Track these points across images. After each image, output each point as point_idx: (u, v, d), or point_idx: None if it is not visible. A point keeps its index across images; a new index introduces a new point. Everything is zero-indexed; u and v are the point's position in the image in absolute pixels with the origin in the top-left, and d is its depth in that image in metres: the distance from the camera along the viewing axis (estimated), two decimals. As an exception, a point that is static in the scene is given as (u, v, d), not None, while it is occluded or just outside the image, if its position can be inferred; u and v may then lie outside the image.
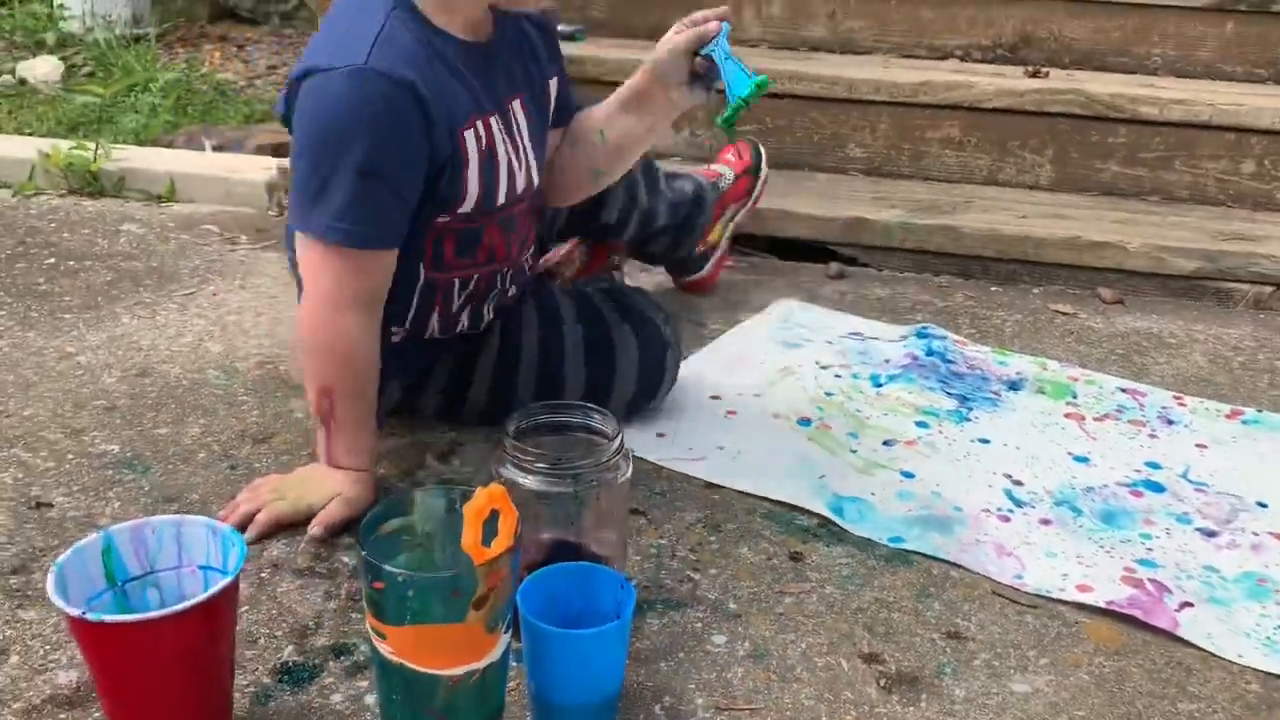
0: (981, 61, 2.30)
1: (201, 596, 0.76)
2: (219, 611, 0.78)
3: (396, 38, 1.05)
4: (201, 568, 0.85)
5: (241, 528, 1.07)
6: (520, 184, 1.19)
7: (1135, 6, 2.25)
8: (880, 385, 1.47)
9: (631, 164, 1.37)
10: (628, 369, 1.30)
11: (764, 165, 1.80)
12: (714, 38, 1.16)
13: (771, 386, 1.47)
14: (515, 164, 1.18)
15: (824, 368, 1.52)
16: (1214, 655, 1.00)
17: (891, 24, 2.32)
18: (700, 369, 1.50)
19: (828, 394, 1.45)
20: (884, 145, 2.14)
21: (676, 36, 1.19)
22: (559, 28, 2.35)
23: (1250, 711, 0.94)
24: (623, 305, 1.34)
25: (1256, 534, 1.19)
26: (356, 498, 1.12)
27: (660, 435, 1.33)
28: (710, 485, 1.23)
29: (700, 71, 1.19)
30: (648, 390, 1.33)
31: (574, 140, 1.32)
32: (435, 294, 1.21)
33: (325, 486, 1.12)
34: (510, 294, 1.29)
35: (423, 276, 1.18)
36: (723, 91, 1.16)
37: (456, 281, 1.21)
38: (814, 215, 1.93)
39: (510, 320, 1.30)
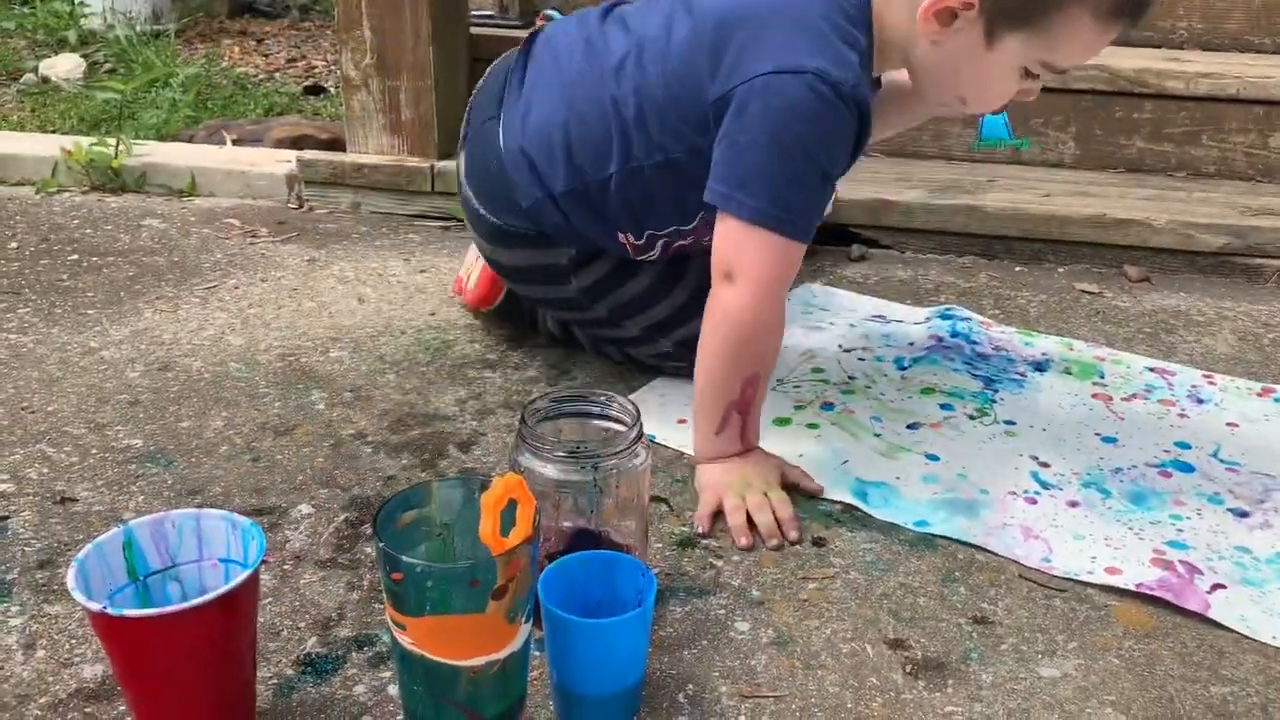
0: (1003, 38, 2.27)
1: (220, 590, 0.76)
2: (239, 604, 0.78)
3: (859, 61, 1.12)
4: (222, 560, 0.85)
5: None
6: None
7: (1161, -21, 2.21)
8: (904, 368, 1.46)
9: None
10: None
11: None
12: None
13: (794, 371, 1.45)
14: None
15: (847, 351, 1.51)
16: (1247, 637, 0.98)
17: (911, 2, 2.29)
18: (721, 354, 1.49)
19: (851, 377, 1.44)
20: (905, 125, 2.11)
21: None
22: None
23: (1285, 694, 0.92)
24: None
25: (1290, 514, 1.17)
26: (781, 461, 1.20)
27: (681, 421, 1.32)
28: (732, 471, 1.22)
29: None
30: None
31: None
32: (679, 235, 1.30)
33: (766, 468, 1.17)
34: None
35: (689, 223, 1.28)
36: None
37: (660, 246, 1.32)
38: (836, 197, 1.91)
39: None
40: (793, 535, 1.11)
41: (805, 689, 0.91)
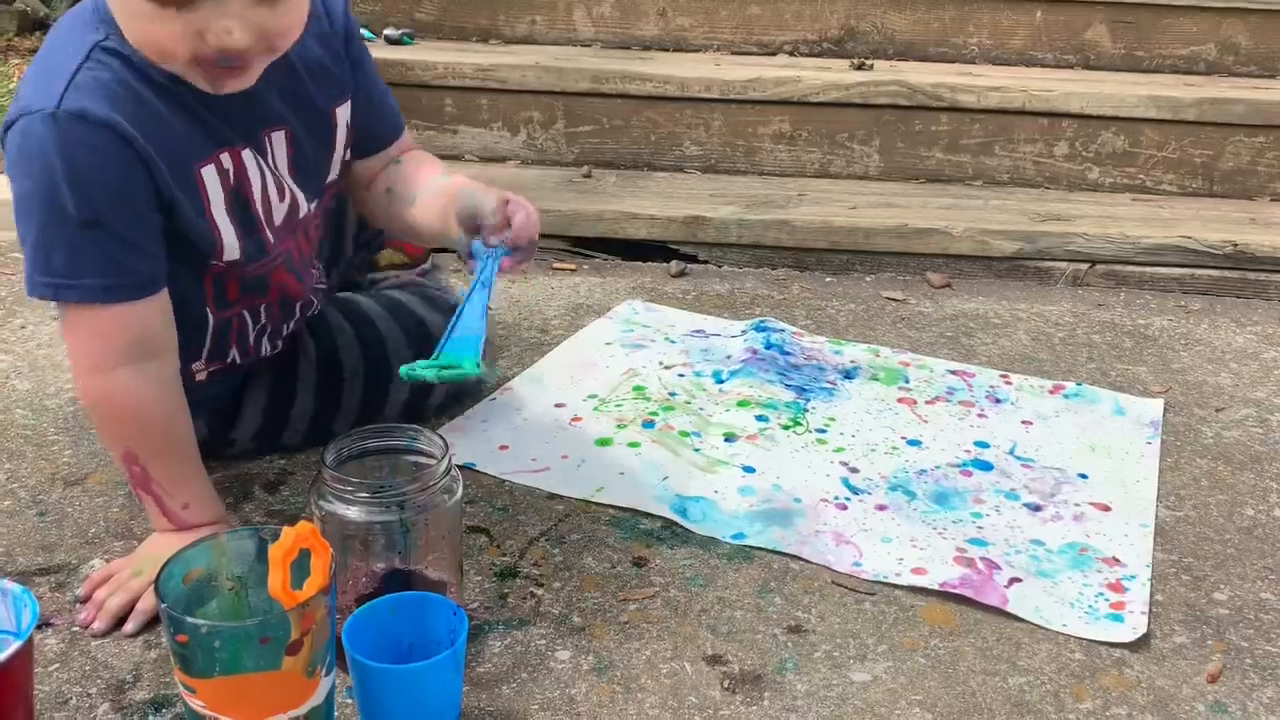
0: (809, 55, 2.35)
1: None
2: (9, 679, 0.73)
3: (100, 72, 0.96)
4: (-6, 632, 0.79)
5: (116, 625, 0.98)
6: (281, 215, 1.12)
7: (952, -2, 2.33)
8: (722, 381, 1.48)
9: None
10: None
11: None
12: (489, 249, 1.08)
13: (616, 391, 1.46)
14: (275, 195, 1.10)
15: (667, 368, 1.52)
16: (1041, 627, 1.04)
17: (721, 21, 2.35)
18: (545, 377, 1.49)
19: (671, 394, 1.45)
20: (719, 142, 2.16)
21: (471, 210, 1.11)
22: (386, 32, 2.30)
23: (1074, 679, 0.97)
24: (423, 295, 1.35)
25: (1078, 505, 1.24)
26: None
27: (503, 447, 1.31)
28: (554, 496, 1.22)
29: (467, 253, 1.11)
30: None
31: (392, 186, 1.23)
32: (229, 330, 1.15)
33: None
34: (311, 308, 1.26)
35: (211, 318, 1.12)
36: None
37: (247, 314, 1.16)
38: (654, 215, 1.93)
39: (320, 328, 1.28)
40: (128, 629, 0.98)
41: (625, 714, 0.91)
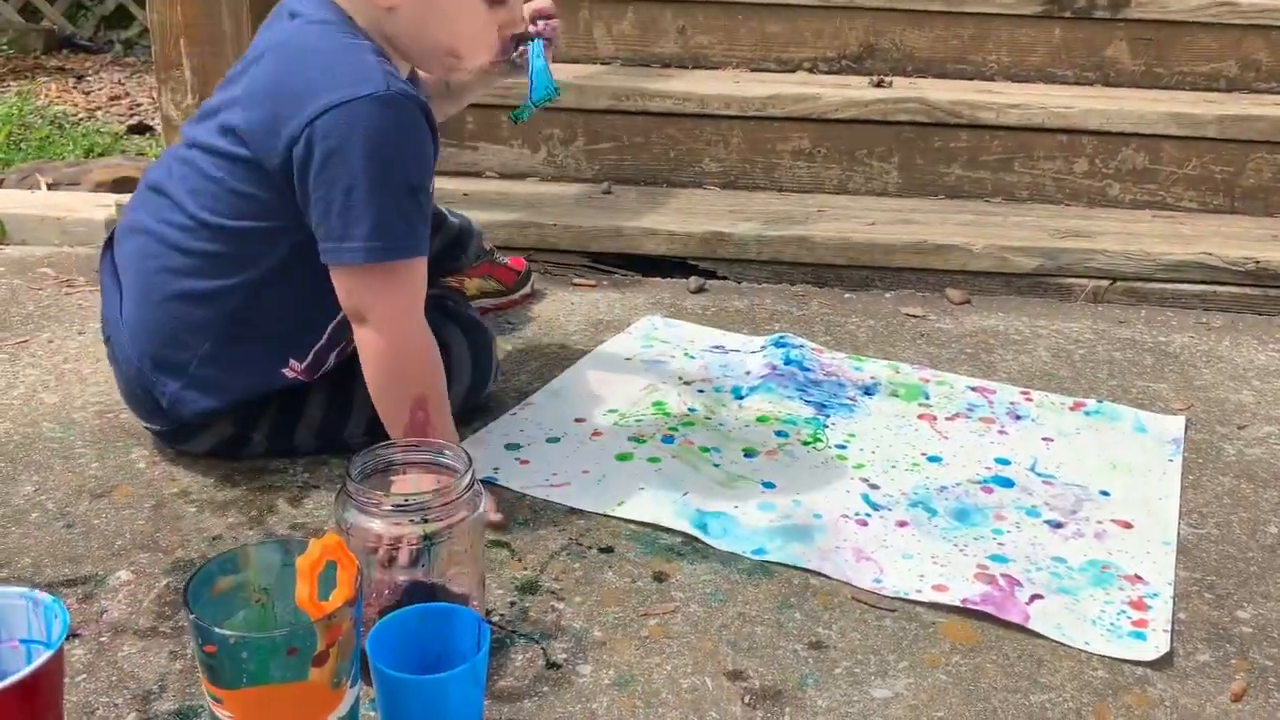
0: (828, 73, 2.35)
1: (16, 676, 0.71)
2: (40, 689, 0.74)
3: (384, 63, 1.12)
4: (24, 641, 0.80)
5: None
6: None
7: (971, 16, 2.34)
8: (742, 397, 1.49)
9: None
10: (462, 364, 1.34)
11: (529, 286, 1.81)
12: (534, 38, 1.25)
13: (635, 406, 1.46)
14: None
15: (687, 383, 1.53)
16: (1063, 645, 1.03)
17: (740, 38, 2.36)
18: (565, 392, 1.49)
19: (691, 409, 1.46)
20: (738, 159, 2.17)
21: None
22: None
23: (1097, 697, 0.97)
24: (443, 308, 1.37)
25: (1100, 522, 1.23)
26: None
27: (523, 462, 1.32)
28: (574, 511, 1.23)
29: (517, 61, 1.26)
30: (481, 379, 1.38)
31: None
32: (345, 329, 1.20)
33: None
34: None
35: (334, 318, 1.21)
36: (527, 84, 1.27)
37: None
38: (673, 231, 1.94)
39: None
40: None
41: (646, 728, 0.92)
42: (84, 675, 0.95)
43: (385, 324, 1.12)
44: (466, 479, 0.94)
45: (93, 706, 0.91)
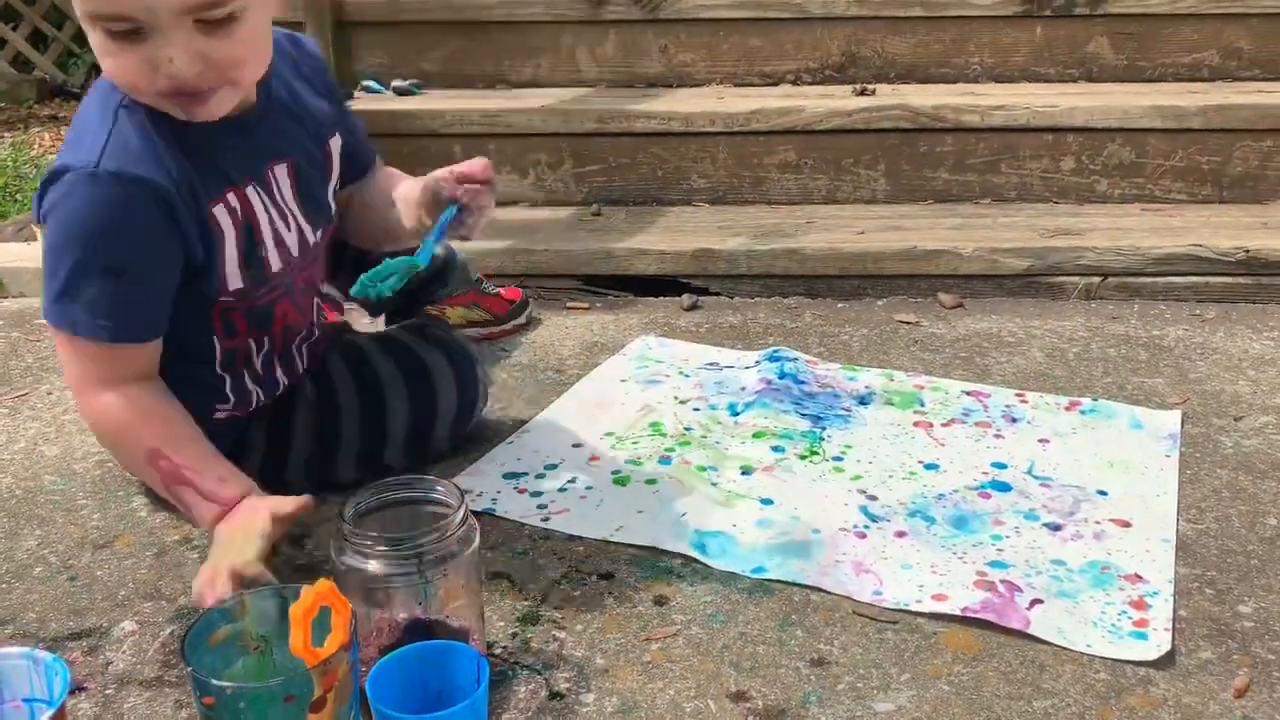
0: (812, 84, 2.37)
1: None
2: (43, 748, 0.75)
3: (128, 130, 1.07)
4: (26, 700, 0.80)
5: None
6: (294, 246, 1.22)
7: (951, 20, 2.35)
8: (737, 414, 1.49)
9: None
10: (447, 389, 1.34)
11: (525, 316, 1.81)
12: (451, 201, 1.20)
13: (632, 428, 1.47)
14: (282, 228, 1.20)
15: (682, 402, 1.54)
16: (1065, 648, 1.04)
17: (722, 54, 2.38)
18: (562, 417, 1.50)
19: (687, 429, 1.46)
20: (725, 174, 2.18)
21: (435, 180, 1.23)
22: (394, 84, 2.34)
23: (1100, 700, 0.97)
24: (424, 333, 1.39)
25: (1099, 523, 1.24)
26: (274, 506, 1.10)
27: (521, 490, 1.32)
28: (573, 537, 1.23)
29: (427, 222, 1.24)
30: (468, 403, 1.38)
31: (367, 200, 1.36)
32: (236, 360, 1.23)
33: (250, 524, 1.08)
34: (315, 337, 1.33)
35: (219, 348, 1.21)
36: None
37: (252, 344, 1.24)
38: (663, 250, 1.95)
39: (320, 370, 1.33)
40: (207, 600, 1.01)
41: (650, 755, 0.92)
42: (91, 729, 0.95)
43: (71, 387, 1.16)
44: (460, 514, 0.95)
45: (100, 760, 0.92)
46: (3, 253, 2.13)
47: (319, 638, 0.74)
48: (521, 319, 1.81)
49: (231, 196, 1.14)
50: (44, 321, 1.13)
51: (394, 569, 0.90)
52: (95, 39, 1.03)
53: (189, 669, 0.71)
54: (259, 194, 1.17)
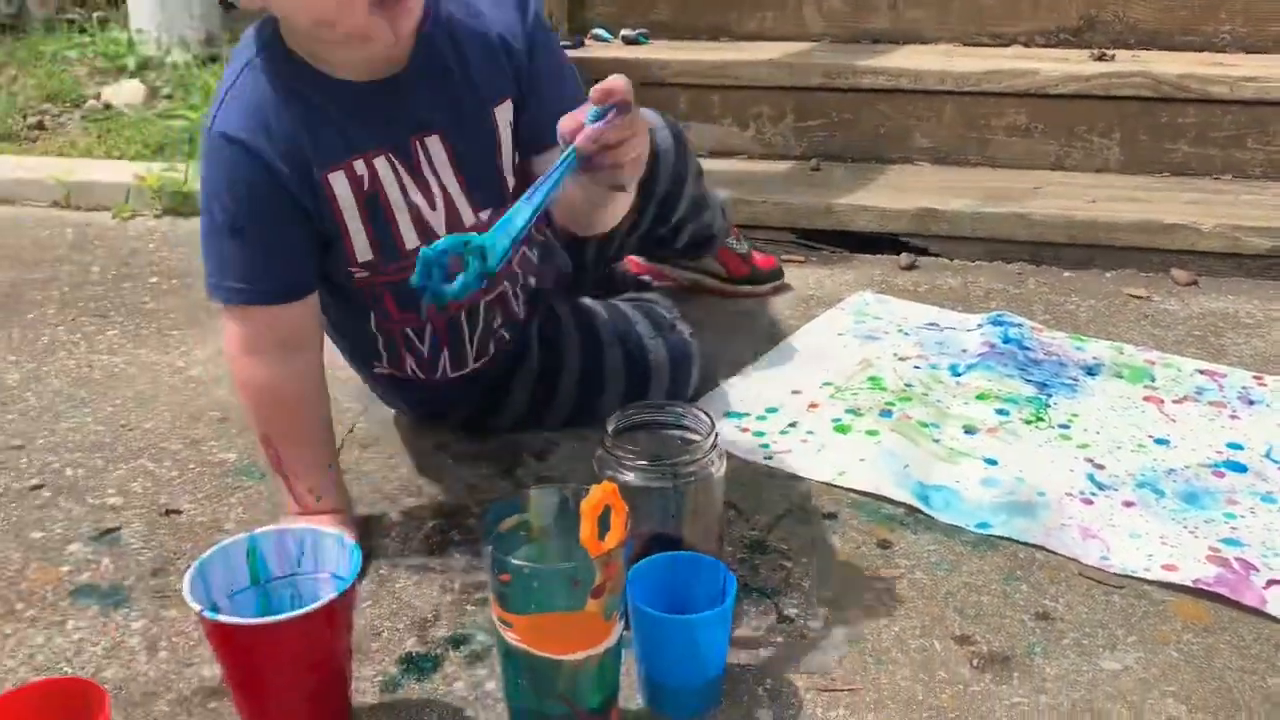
0: (1045, 46, 2.30)
1: (313, 606, 0.83)
2: (335, 616, 0.85)
3: (245, 90, 1.06)
4: (334, 576, 0.91)
5: None
6: (439, 225, 1.13)
7: (1202, -17, 2.24)
8: (959, 374, 1.50)
9: (615, 219, 1.20)
10: (659, 389, 1.35)
11: (769, 286, 1.76)
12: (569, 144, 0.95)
13: (851, 380, 1.50)
14: (423, 204, 1.12)
15: (902, 359, 1.55)
16: (1303, 631, 1.02)
17: (952, 12, 2.34)
18: (780, 364, 1.55)
19: (908, 385, 1.48)
20: (950, 135, 2.16)
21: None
22: (623, 33, 2.41)
23: (1341, 685, 0.96)
24: (653, 317, 1.39)
25: (1343, 511, 1.20)
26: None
27: (744, 430, 1.38)
28: (796, 477, 1.28)
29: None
30: (678, 393, 1.38)
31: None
32: (396, 343, 1.22)
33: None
34: (496, 328, 1.27)
35: (374, 327, 1.21)
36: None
37: (411, 332, 1.22)
38: (883, 207, 1.96)
39: (550, 342, 1.33)
40: None
41: (879, 682, 0.97)
42: (369, 603, 1.07)
43: (225, 352, 1.15)
44: (710, 440, 1.00)
45: (379, 629, 1.03)
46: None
47: (600, 533, 0.81)
48: (767, 288, 1.76)
49: (359, 164, 1.09)
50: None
51: (650, 482, 0.97)
52: None
53: (488, 549, 0.80)
54: (394, 164, 1.10)
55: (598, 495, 0.81)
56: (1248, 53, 2.23)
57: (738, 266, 1.75)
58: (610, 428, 1.01)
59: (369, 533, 1.17)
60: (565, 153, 0.94)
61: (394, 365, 1.25)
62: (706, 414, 1.04)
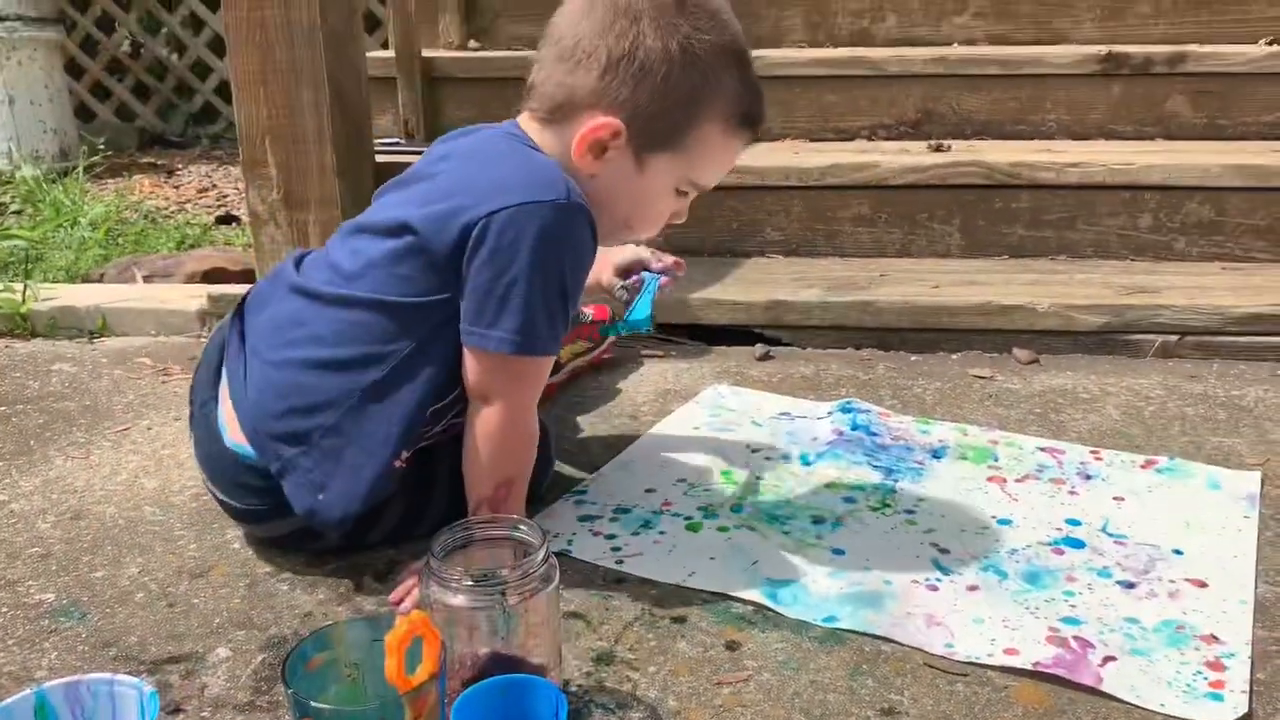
0: (887, 139, 2.40)
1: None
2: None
3: (572, 183, 1.19)
4: (132, 722, 0.85)
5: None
6: None
7: (1028, 78, 2.38)
8: (809, 463, 1.51)
9: None
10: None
11: (616, 330, 1.83)
12: (655, 272, 1.52)
13: (704, 476, 1.50)
14: None
15: (754, 451, 1.56)
16: (1138, 707, 1.03)
17: (798, 110, 2.43)
18: (635, 463, 1.54)
19: (759, 477, 1.49)
20: (800, 227, 2.22)
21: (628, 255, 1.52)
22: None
23: (1174, 761, 0.97)
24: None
25: (1174, 581, 1.23)
26: None
27: (596, 533, 1.36)
28: (647, 581, 1.26)
29: (629, 286, 1.51)
30: (539, 479, 1.38)
31: None
32: (441, 415, 1.27)
33: None
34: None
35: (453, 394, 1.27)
36: (628, 304, 1.49)
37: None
38: (736, 300, 1.99)
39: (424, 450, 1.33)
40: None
41: (721, 796, 0.94)
42: (188, 749, 1.00)
43: (509, 408, 1.20)
44: (542, 553, 0.98)
45: (196, 778, 0.97)
46: (107, 293, 2.24)
47: (410, 666, 0.78)
48: (613, 336, 1.87)
49: None
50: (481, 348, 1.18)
51: (478, 602, 0.94)
52: (667, 191, 1.25)
53: (289, 691, 0.76)
54: None
55: (404, 627, 0.78)
56: (1073, 139, 2.36)
57: (591, 331, 1.84)
58: (436, 546, 0.98)
59: (194, 671, 1.11)
60: (653, 278, 1.52)
61: (450, 423, 1.30)
62: (539, 526, 1.02)
